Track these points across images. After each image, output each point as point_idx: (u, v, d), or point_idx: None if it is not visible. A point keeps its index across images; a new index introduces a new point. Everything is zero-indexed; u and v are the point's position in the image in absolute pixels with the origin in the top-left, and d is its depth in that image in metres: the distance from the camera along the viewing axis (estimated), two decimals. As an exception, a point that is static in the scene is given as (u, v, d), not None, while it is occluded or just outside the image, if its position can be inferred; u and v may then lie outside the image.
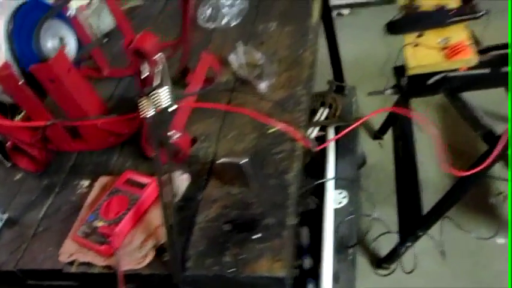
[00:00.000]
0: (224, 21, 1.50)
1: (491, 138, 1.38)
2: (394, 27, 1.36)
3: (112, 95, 1.38)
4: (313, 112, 2.12)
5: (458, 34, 1.28)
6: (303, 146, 1.04)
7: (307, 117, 1.12)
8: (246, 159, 0.93)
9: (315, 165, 2.00)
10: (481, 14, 1.28)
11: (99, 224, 0.99)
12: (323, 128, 2.04)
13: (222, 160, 0.97)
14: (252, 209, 0.94)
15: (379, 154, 2.47)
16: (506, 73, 1.27)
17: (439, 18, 1.32)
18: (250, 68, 1.25)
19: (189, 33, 1.21)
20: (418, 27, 1.33)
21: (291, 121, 1.08)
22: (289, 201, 0.93)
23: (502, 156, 1.45)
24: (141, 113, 0.89)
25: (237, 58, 1.29)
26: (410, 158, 2.04)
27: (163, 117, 0.90)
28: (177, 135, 1.02)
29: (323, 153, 2.01)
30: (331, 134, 2.04)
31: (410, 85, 1.31)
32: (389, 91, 1.43)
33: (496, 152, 1.30)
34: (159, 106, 0.88)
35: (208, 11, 1.54)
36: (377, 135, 2.54)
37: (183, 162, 1.06)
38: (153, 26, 1.66)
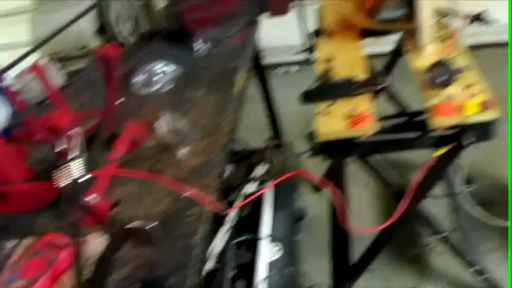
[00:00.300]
0: (156, 88, 1.62)
1: (400, 196, 1.51)
2: (308, 97, 1.50)
3: (46, 158, 1.45)
4: (252, 168, 2.24)
5: (363, 104, 1.43)
6: (212, 209, 1.14)
7: (220, 181, 1.22)
8: (154, 224, 1.02)
9: (252, 218, 2.10)
10: (381, 86, 1.44)
11: (17, 285, 1.05)
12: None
13: (133, 224, 1.06)
14: (159, 269, 1.03)
15: (320, 207, 2.58)
16: (407, 138, 1.42)
17: (347, 89, 1.46)
18: (174, 134, 1.36)
19: (113, 101, 1.31)
20: (329, 97, 1.47)
21: (203, 186, 1.18)
22: (192, 262, 1.02)
23: (411, 212, 1.58)
24: (55, 183, 0.98)
25: (163, 125, 1.39)
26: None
27: (76, 186, 0.99)
28: (96, 200, 1.11)
29: (259, 207, 2.12)
30: (268, 190, 2.15)
31: (323, 149, 1.44)
32: (306, 154, 1.56)
33: (399, 210, 1.44)
34: (71, 177, 0.97)
35: (143, 78, 1.66)
36: (317, 188, 2.66)
37: (102, 225, 1.14)
38: (92, 89, 1.77)
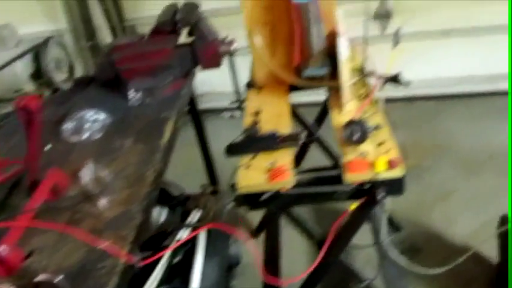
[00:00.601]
0: (86, 136, 1.64)
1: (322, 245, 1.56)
2: (233, 149, 1.55)
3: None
4: (187, 214, 2.25)
5: (283, 158, 1.50)
6: (126, 261, 1.15)
7: (137, 232, 1.24)
8: (61, 277, 1.03)
9: (184, 265, 2.10)
10: (300, 142, 1.51)
11: None
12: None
13: (39, 278, 1.06)
14: (65, 323, 1.03)
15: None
16: (324, 192, 1.49)
17: (269, 143, 1.53)
18: (96, 184, 1.38)
19: (36, 150, 1.33)
20: (252, 150, 1.53)
21: (120, 237, 1.20)
22: (99, 315, 1.03)
23: (332, 261, 1.64)
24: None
25: (87, 174, 1.41)
26: (275, 257, 2.19)
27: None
28: (6, 251, 1.11)
29: (192, 253, 2.13)
30: (202, 236, 2.17)
31: (245, 200, 1.48)
32: (230, 205, 1.60)
33: (317, 260, 1.49)
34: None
35: (73, 125, 1.67)
36: (255, 234, 2.69)
37: (11, 276, 1.13)
38: (21, 134, 1.76)
